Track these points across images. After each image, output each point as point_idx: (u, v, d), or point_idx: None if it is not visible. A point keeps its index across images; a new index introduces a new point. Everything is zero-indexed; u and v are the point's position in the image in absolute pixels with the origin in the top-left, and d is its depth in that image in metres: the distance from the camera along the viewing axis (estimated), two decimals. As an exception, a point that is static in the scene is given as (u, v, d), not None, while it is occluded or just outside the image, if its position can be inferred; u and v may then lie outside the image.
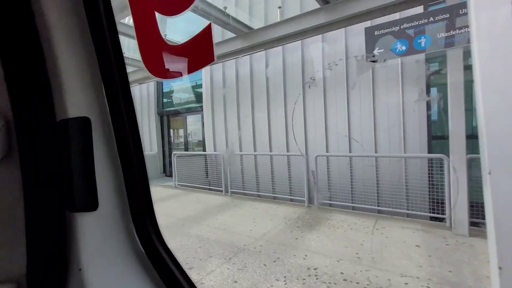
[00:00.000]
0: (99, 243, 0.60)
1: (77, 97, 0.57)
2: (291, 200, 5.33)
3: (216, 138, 7.51)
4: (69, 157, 0.57)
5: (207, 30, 1.82)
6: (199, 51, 1.84)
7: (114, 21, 0.58)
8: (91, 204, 0.58)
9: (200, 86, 8.85)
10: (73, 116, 0.57)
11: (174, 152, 7.30)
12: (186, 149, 9.07)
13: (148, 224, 0.66)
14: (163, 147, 9.77)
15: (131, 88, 0.74)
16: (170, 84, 9.59)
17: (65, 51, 0.55)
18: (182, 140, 9.41)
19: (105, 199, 0.61)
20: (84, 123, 0.57)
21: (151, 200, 0.67)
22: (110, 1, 0.57)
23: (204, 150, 8.36)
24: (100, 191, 0.59)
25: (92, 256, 0.59)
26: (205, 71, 7.72)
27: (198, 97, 9.04)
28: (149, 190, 0.67)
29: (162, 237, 0.68)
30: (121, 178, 0.64)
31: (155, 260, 0.65)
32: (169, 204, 5.43)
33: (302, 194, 5.00)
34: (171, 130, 9.75)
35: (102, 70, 0.58)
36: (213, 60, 1.89)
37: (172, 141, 9.74)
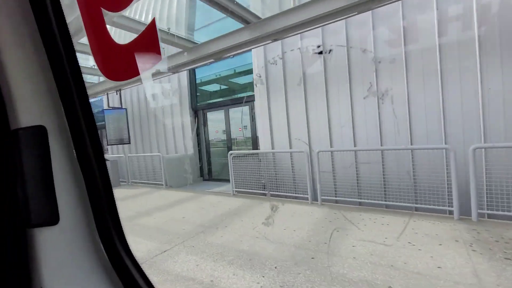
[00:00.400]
0: (62, 259, 0.57)
1: (30, 105, 0.55)
2: (416, 209, 3.96)
3: (275, 133, 6.18)
4: (24, 168, 0.54)
5: (152, 26, 1.83)
6: (145, 48, 1.83)
7: (66, 23, 0.55)
8: (51, 218, 0.56)
9: (240, 73, 7.53)
10: (27, 125, 0.55)
11: (230, 152, 5.96)
12: (230, 148, 7.74)
13: (114, 235, 0.64)
14: (199, 146, 8.45)
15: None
16: (205, 74, 8.25)
17: (14, 56, 0.53)
18: (223, 137, 8.06)
19: (66, 211, 0.58)
20: (39, 131, 0.55)
21: (116, 209, 0.65)
22: (60, 2, 0.55)
23: (255, 148, 7.07)
24: (61, 203, 0.57)
25: (55, 273, 0.56)
26: (255, 52, 6.34)
27: (240, 86, 7.72)
28: (114, 198, 0.65)
29: (129, 248, 0.66)
30: (83, 187, 0.62)
31: (123, 274, 0.63)
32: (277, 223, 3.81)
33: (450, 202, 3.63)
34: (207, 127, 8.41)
35: (55, 75, 0.56)
36: (160, 55, 1.84)
37: (208, 139, 8.41)
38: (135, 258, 0.66)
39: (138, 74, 1.74)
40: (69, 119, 0.58)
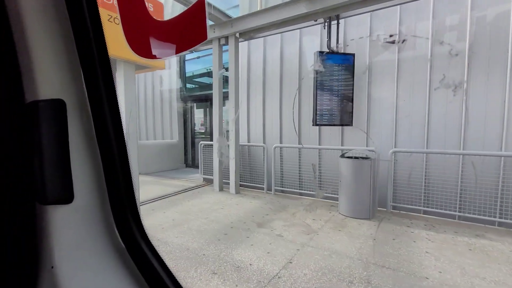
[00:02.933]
0: (74, 238, 0.56)
1: (50, 77, 0.52)
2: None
3: (252, 128, 6.73)
4: (40, 143, 0.51)
5: (200, 5, 1.62)
6: (190, 28, 1.62)
7: None
8: (66, 196, 0.54)
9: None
10: (45, 98, 0.51)
11: (201, 142, 6.49)
12: (211, 138, 8.27)
13: (130, 217, 0.62)
14: (185, 135, 8.97)
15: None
16: (194, 69, 8.74)
17: (36, 24, 0.49)
18: (204, 129, 8.60)
19: (81, 191, 0.56)
20: (58, 106, 0.52)
21: (133, 192, 0.63)
22: None
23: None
24: (76, 182, 0.55)
25: (66, 252, 0.55)
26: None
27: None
28: (131, 181, 0.62)
29: (144, 232, 0.63)
30: (99, 167, 0.59)
31: (137, 257, 0.61)
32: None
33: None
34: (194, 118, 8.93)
35: (79, 48, 0.52)
36: (206, 38, 1.69)
37: (194, 129, 8.93)
38: (151, 241, 0.64)
39: (175, 53, 1.58)
40: (90, 95, 0.55)
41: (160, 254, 0.63)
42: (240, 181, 5.77)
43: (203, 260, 2.72)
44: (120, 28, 1.50)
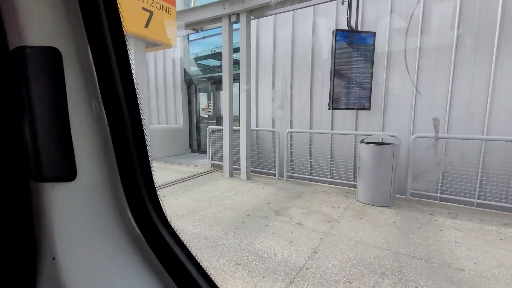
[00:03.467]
0: (78, 224, 0.46)
1: (40, 20, 0.39)
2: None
3: (260, 113, 6.49)
4: (30, 103, 0.40)
5: None
6: None
7: None
8: (66, 172, 0.44)
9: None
10: (35, 45, 0.39)
11: (209, 127, 6.28)
12: (219, 124, 8.05)
13: (146, 199, 0.51)
14: (189, 120, 8.73)
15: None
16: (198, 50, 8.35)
17: None
18: (210, 114, 8.34)
19: (85, 165, 0.45)
20: (50, 55, 0.40)
21: (150, 168, 0.50)
22: None
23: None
24: (79, 155, 0.44)
25: (69, 240, 0.45)
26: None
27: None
28: (147, 154, 0.50)
29: (165, 216, 0.53)
30: (107, 137, 0.46)
31: (156, 245, 0.50)
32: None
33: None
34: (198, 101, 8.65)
35: None
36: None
37: (199, 113, 8.68)
38: (172, 226, 0.54)
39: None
40: (94, 47, 0.43)
41: (185, 243, 0.54)
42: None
43: (224, 250, 2.59)
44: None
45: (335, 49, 4.39)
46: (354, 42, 4.50)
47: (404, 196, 4.21)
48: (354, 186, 4.76)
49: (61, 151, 0.43)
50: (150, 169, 0.52)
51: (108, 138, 0.48)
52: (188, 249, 0.53)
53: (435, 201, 4.13)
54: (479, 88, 4.19)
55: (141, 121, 0.50)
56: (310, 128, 5.69)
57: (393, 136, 4.25)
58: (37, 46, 0.40)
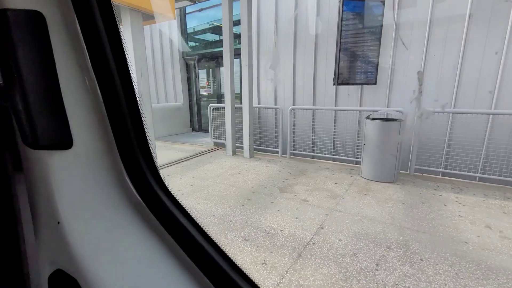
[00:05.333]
0: (79, 189, 0.47)
1: None
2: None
3: (262, 89, 6.33)
4: (18, 67, 0.39)
5: None
6: None
7: None
8: (62, 139, 0.44)
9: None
10: (15, 8, 0.37)
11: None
12: (219, 101, 7.90)
13: (143, 165, 0.52)
14: (190, 99, 8.56)
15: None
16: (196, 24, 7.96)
17: None
18: (209, 91, 8.15)
19: (80, 132, 0.45)
20: (33, 19, 0.38)
21: (145, 135, 0.52)
22: None
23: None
24: (73, 122, 0.44)
25: (72, 205, 0.47)
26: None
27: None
28: (142, 121, 0.51)
29: (162, 181, 0.54)
30: (100, 105, 0.46)
31: (156, 209, 0.52)
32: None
33: None
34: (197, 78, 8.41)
35: None
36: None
37: (198, 91, 8.49)
38: (171, 192, 0.55)
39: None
40: (79, 11, 0.42)
41: (184, 206, 0.55)
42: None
43: (231, 227, 2.63)
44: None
45: (341, 20, 4.17)
46: (361, 12, 4.26)
47: (407, 172, 4.23)
48: (357, 163, 4.76)
49: (55, 118, 0.43)
50: (146, 137, 0.53)
51: (101, 107, 0.47)
52: (186, 211, 0.55)
53: (439, 176, 4.15)
54: (489, 61, 4.03)
55: (134, 89, 0.50)
56: (314, 105, 5.58)
57: (399, 112, 4.17)
58: (18, 9, 0.37)
